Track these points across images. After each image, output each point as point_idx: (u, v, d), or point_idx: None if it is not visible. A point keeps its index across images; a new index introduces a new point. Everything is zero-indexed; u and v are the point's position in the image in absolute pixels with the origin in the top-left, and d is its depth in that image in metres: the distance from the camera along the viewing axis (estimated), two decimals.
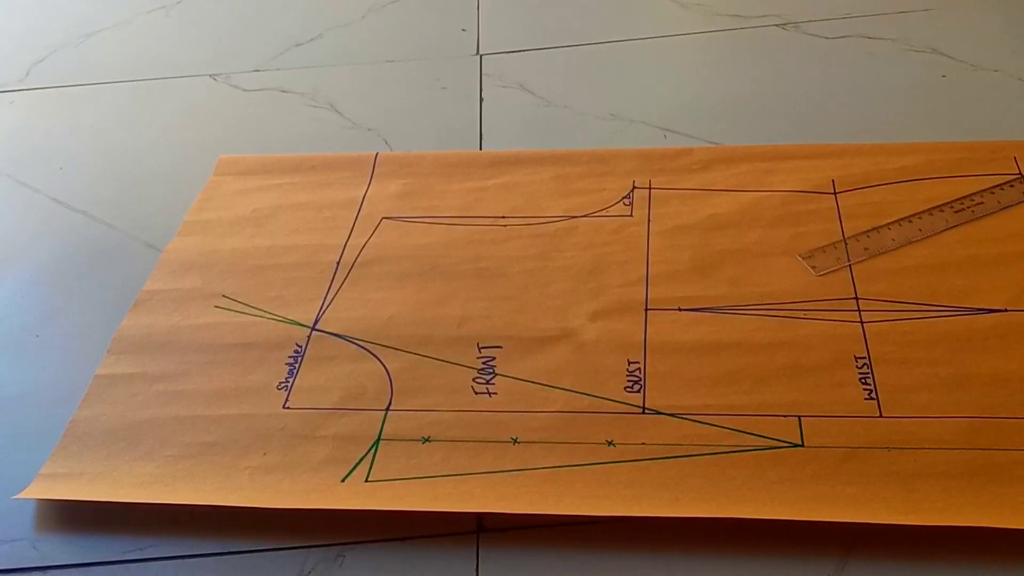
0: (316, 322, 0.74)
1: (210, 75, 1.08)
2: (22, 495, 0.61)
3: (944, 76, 0.97)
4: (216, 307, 0.75)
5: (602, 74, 1.03)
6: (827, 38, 1.04)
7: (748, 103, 0.96)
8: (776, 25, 1.07)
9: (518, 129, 0.95)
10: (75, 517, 0.61)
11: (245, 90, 1.05)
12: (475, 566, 0.57)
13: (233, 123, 1.01)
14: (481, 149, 0.92)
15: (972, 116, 0.91)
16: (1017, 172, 0.82)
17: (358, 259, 0.79)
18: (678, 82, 1.01)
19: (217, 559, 0.59)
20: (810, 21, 1.07)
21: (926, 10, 1.06)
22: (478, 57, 1.07)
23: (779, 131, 0.91)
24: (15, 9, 1.27)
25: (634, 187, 0.84)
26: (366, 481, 0.61)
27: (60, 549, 0.60)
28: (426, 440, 0.64)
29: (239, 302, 0.76)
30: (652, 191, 0.84)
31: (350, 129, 0.98)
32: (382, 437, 0.64)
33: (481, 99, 1.00)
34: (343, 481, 0.61)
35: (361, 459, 0.62)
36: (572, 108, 0.98)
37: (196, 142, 0.97)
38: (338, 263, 0.79)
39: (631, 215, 0.81)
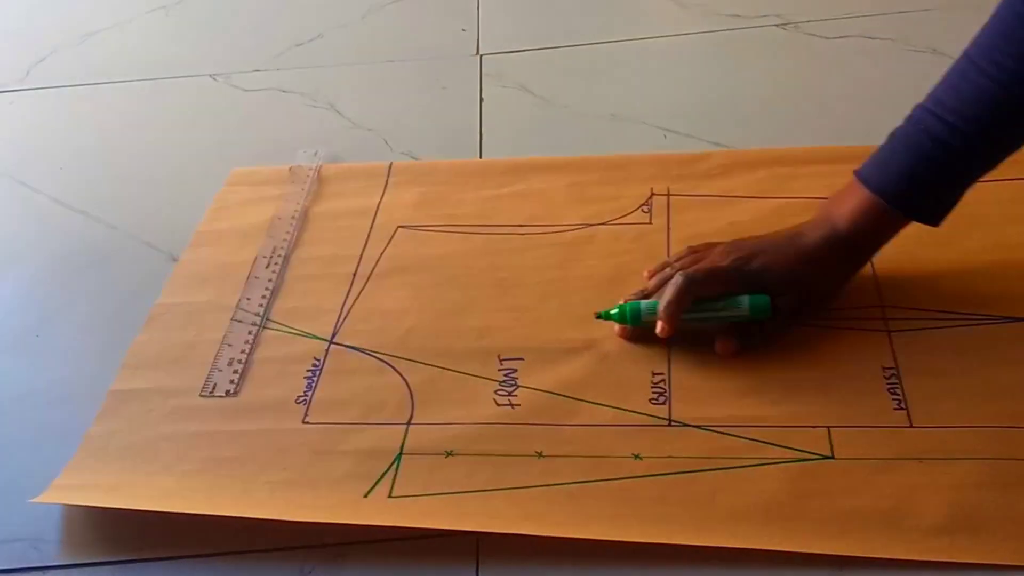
0: (334, 335, 0.72)
1: (210, 75, 1.08)
2: (39, 499, 0.60)
3: None
4: (232, 320, 0.74)
5: (602, 74, 1.03)
6: (827, 38, 1.04)
7: (748, 103, 0.96)
8: (776, 25, 1.07)
9: (518, 129, 0.95)
10: (75, 518, 0.61)
11: (245, 90, 1.05)
12: (475, 565, 0.57)
13: (233, 123, 1.01)
14: (481, 149, 0.93)
15: None
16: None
17: (375, 270, 0.78)
18: (678, 82, 1.01)
19: (217, 559, 0.58)
20: (810, 21, 1.07)
21: (926, 10, 1.06)
22: (478, 57, 1.07)
23: (779, 130, 0.91)
24: (15, 9, 1.27)
25: (652, 194, 0.82)
26: (389, 497, 0.60)
27: (60, 549, 0.60)
28: (449, 454, 0.62)
29: (253, 314, 0.74)
30: (671, 198, 0.82)
31: (350, 129, 0.98)
32: (404, 451, 0.63)
33: (481, 99, 1.00)
34: (366, 496, 0.60)
35: (383, 474, 0.61)
36: (572, 108, 0.98)
37: (196, 142, 0.97)
38: (354, 274, 0.77)
39: (650, 223, 0.80)
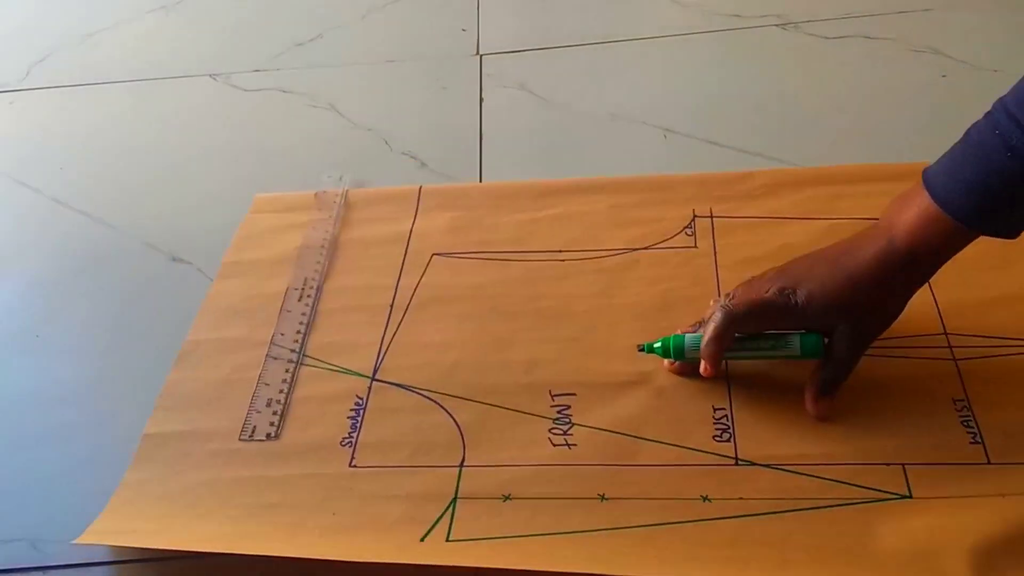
0: (375, 371, 0.69)
1: (210, 75, 1.08)
2: (81, 540, 0.59)
3: (944, 76, 0.97)
4: (267, 357, 0.71)
5: (602, 74, 1.03)
6: (827, 38, 1.04)
7: (748, 103, 0.96)
8: (776, 25, 1.07)
9: (518, 129, 0.95)
10: (76, 518, 0.61)
11: (245, 90, 1.05)
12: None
13: (233, 123, 1.01)
14: (481, 148, 0.92)
15: (972, 116, 0.91)
16: None
17: (412, 300, 0.74)
18: (678, 82, 1.01)
19: (219, 558, 0.58)
20: (810, 21, 1.07)
21: (926, 10, 1.06)
22: (478, 57, 1.07)
23: (780, 131, 0.91)
24: (15, 9, 1.27)
25: (695, 216, 0.79)
26: (447, 540, 0.57)
27: (60, 549, 0.60)
28: (507, 498, 0.59)
29: (289, 350, 0.72)
30: (715, 220, 0.79)
31: (350, 129, 0.98)
32: (459, 495, 0.60)
33: (481, 99, 1.00)
34: (423, 540, 0.57)
35: (439, 518, 0.59)
36: (572, 108, 0.98)
37: (196, 142, 0.97)
38: (391, 305, 0.74)
39: (695, 246, 0.76)
